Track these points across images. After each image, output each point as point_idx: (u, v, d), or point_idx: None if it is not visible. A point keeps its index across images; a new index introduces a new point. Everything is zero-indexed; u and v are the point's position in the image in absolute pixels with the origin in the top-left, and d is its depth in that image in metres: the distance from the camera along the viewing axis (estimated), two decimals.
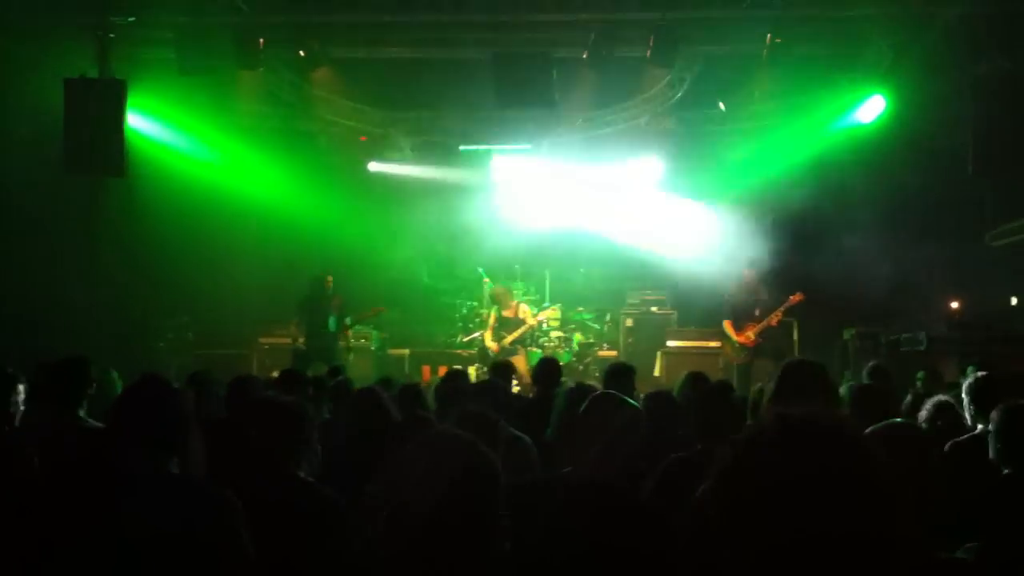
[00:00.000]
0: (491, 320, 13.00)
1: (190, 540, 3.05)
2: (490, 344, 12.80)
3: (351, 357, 12.47)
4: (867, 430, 2.79)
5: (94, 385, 5.33)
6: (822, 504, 1.57)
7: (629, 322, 14.40)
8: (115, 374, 6.83)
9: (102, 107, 10.53)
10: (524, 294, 14.57)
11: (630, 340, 14.26)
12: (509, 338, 12.73)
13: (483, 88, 12.06)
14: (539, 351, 13.62)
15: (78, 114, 10.46)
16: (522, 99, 11.42)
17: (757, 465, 1.64)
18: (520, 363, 12.42)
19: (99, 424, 5.13)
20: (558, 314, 14.37)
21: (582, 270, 15.63)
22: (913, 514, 2.52)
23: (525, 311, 12.95)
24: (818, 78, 12.52)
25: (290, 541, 3.50)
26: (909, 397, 6.93)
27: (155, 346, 13.75)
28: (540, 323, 13.79)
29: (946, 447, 4.64)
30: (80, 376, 5.27)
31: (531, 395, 8.43)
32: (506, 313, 12.87)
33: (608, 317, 14.94)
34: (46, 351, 7.05)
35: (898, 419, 3.22)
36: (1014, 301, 11.87)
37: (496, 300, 13.08)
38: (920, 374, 8.47)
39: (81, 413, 5.19)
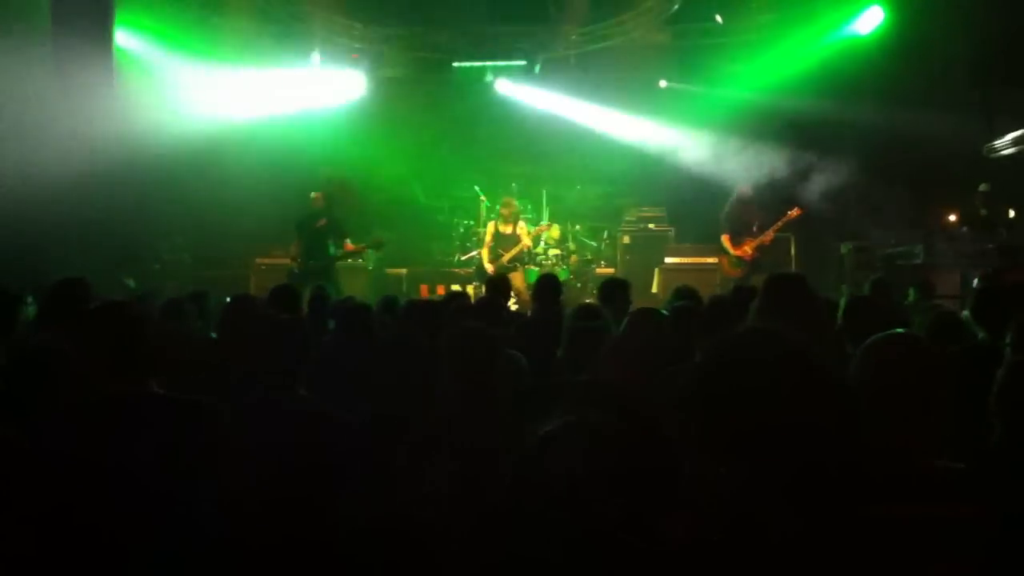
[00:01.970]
0: (488, 237, 12.90)
1: None
2: (487, 264, 12.72)
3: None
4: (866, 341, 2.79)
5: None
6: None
7: (626, 239, 14.34)
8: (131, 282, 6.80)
9: (89, 23, 10.33)
10: (521, 212, 14.50)
11: (627, 257, 14.22)
12: (506, 256, 12.67)
13: (476, 3, 11.87)
14: (536, 269, 13.60)
15: (65, 31, 10.26)
16: (514, 13, 11.23)
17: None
18: (517, 280, 12.38)
19: None
20: (556, 232, 14.31)
21: (578, 187, 15.56)
22: (909, 421, 2.54)
23: (523, 228, 12.86)
24: None
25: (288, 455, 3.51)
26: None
27: (151, 268, 13.67)
28: (536, 241, 13.76)
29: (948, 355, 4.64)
30: (80, 296, 5.25)
31: (529, 312, 8.41)
32: (503, 229, 12.77)
33: (606, 234, 14.91)
34: (42, 274, 7.04)
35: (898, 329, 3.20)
36: (1012, 213, 11.82)
37: (500, 213, 12.94)
38: (912, 289, 8.49)
39: None
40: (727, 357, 2.21)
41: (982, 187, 11.50)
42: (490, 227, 12.93)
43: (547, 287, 7.28)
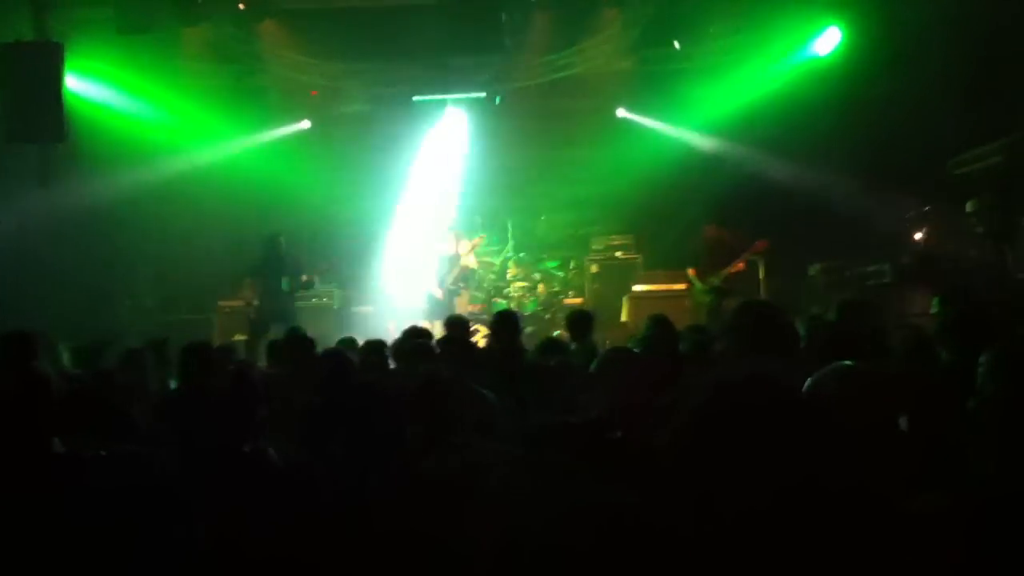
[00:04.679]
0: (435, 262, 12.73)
1: None
2: (434, 290, 12.53)
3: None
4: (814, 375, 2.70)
5: (34, 361, 5.14)
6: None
7: (594, 268, 14.26)
8: (60, 346, 6.66)
9: (39, 71, 10.17)
10: (488, 244, 14.39)
11: (596, 286, 14.13)
12: (449, 278, 12.46)
13: (434, 36, 11.80)
14: (504, 302, 13.49)
15: (15, 80, 10.11)
16: (471, 45, 11.17)
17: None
18: (460, 306, 12.25)
19: None
20: (515, 269, 14.20)
21: (543, 217, 15.46)
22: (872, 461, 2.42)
23: (464, 246, 12.66)
24: (772, 11, 12.34)
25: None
26: None
27: (114, 313, 13.46)
28: (501, 272, 13.64)
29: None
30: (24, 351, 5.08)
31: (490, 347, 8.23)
32: (445, 250, 12.58)
33: (573, 264, 14.80)
34: (3, 322, 6.87)
35: (847, 361, 3.10)
36: (980, 230, 11.77)
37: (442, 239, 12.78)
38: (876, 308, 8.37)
39: None
40: (724, 404, 2.14)
41: (970, 206, 11.28)
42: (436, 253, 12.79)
43: (504, 323, 7.14)
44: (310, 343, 6.74)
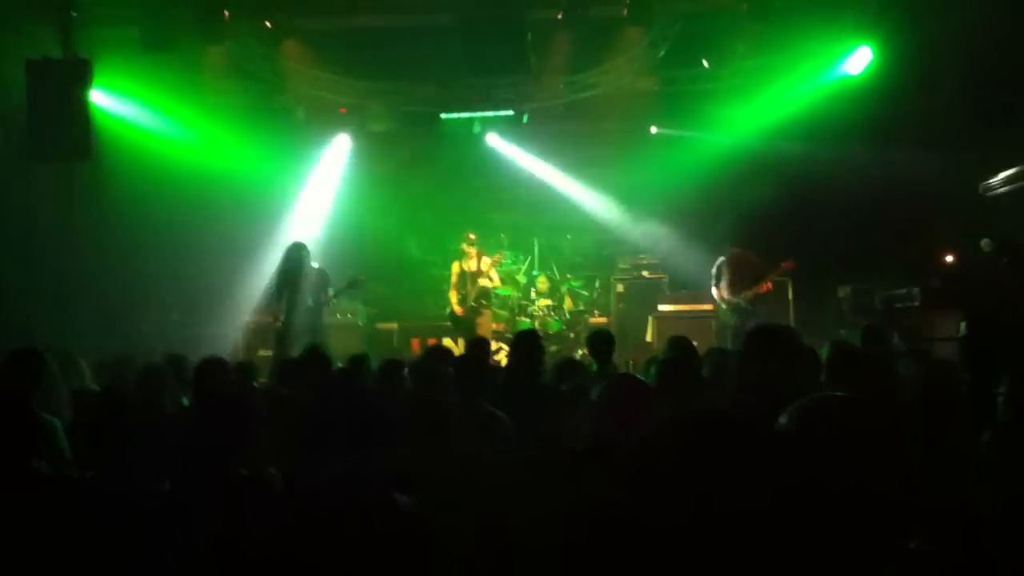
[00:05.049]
0: (454, 278, 12.63)
1: None
2: (455, 306, 12.46)
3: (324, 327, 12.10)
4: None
5: (46, 378, 5.12)
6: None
7: (620, 287, 14.15)
8: (83, 363, 6.65)
9: (66, 89, 10.25)
10: (512, 263, 14.35)
11: (621, 306, 14.02)
12: (471, 295, 12.38)
13: (458, 55, 11.79)
14: (528, 320, 13.43)
15: (42, 97, 10.19)
16: (494, 65, 11.13)
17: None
18: (483, 324, 12.18)
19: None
20: (544, 284, 14.14)
21: (569, 236, 15.42)
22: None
23: (486, 263, 12.57)
24: (802, 30, 12.23)
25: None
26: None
27: (138, 328, 13.51)
28: (527, 290, 13.57)
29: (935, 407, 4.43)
30: (31, 370, 5.06)
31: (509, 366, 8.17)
32: (467, 267, 12.51)
33: (598, 283, 14.73)
34: (30, 338, 6.88)
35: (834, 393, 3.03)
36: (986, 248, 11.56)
37: (460, 254, 12.70)
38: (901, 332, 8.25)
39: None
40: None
41: (985, 244, 11.09)
42: (455, 267, 12.70)
43: (525, 343, 7.05)
44: (326, 360, 6.66)
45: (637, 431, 3.76)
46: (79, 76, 10.39)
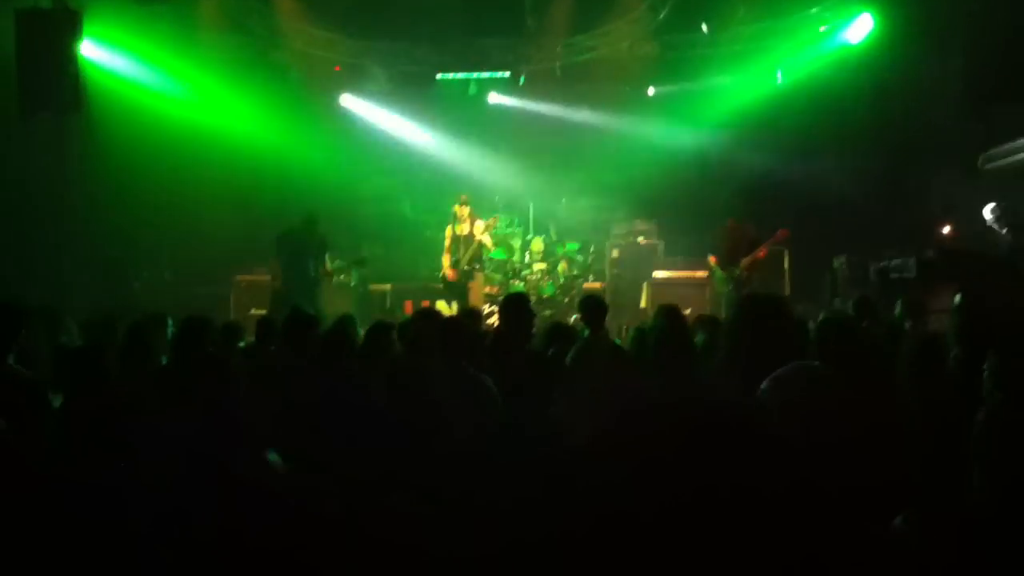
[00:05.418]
0: (447, 242, 12.51)
1: None
2: (447, 270, 12.35)
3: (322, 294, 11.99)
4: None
5: (24, 333, 5.06)
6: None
7: (615, 253, 14.04)
8: (70, 320, 6.61)
9: (56, 40, 10.03)
10: (507, 226, 14.24)
11: (616, 271, 13.93)
12: (464, 259, 12.26)
13: (456, 15, 11.64)
14: (521, 284, 13.35)
15: (31, 48, 9.99)
16: (492, 25, 10.96)
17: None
18: (475, 288, 12.09)
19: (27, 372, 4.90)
20: (539, 246, 14.05)
21: (564, 200, 15.30)
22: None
23: (479, 227, 12.45)
24: None
25: None
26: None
27: (131, 285, 13.44)
28: (521, 254, 13.49)
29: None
30: (6, 326, 4.99)
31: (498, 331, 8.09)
32: (460, 231, 12.38)
33: (593, 248, 14.62)
34: (25, 294, 6.84)
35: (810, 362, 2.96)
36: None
37: (452, 217, 12.57)
38: (899, 306, 8.15)
39: (10, 361, 4.94)
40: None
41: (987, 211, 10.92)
42: (448, 231, 12.52)
43: (513, 306, 6.96)
44: (310, 324, 6.54)
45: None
46: (69, 27, 10.16)
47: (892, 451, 2.60)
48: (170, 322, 6.68)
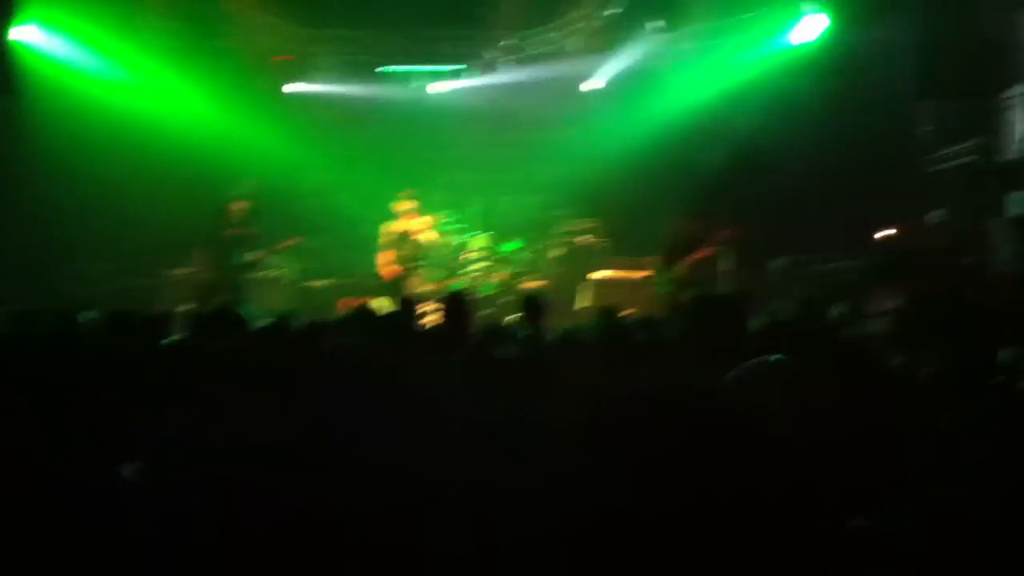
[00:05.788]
0: (386, 238, 12.30)
1: None
2: (384, 267, 12.14)
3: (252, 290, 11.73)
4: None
5: None
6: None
7: (558, 251, 13.93)
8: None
9: None
10: (450, 223, 14.03)
11: (558, 270, 13.81)
12: (404, 256, 12.06)
13: (405, 5, 11.41)
14: (462, 281, 13.17)
15: None
16: (446, 16, 10.76)
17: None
18: (413, 286, 11.90)
19: None
20: (482, 242, 13.86)
21: (508, 197, 15.15)
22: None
23: (420, 224, 12.23)
24: None
25: None
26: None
27: (59, 277, 13.05)
28: (458, 250, 13.37)
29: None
30: None
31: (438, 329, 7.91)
32: (399, 227, 12.18)
33: (536, 246, 14.46)
34: None
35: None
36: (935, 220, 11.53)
37: (394, 212, 12.35)
38: (838, 306, 8.12)
39: None
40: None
41: (934, 217, 10.97)
42: (388, 227, 12.33)
43: (455, 306, 6.81)
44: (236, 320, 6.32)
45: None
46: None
47: (867, 450, 2.51)
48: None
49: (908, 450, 2.99)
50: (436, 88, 14.46)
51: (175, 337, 7.00)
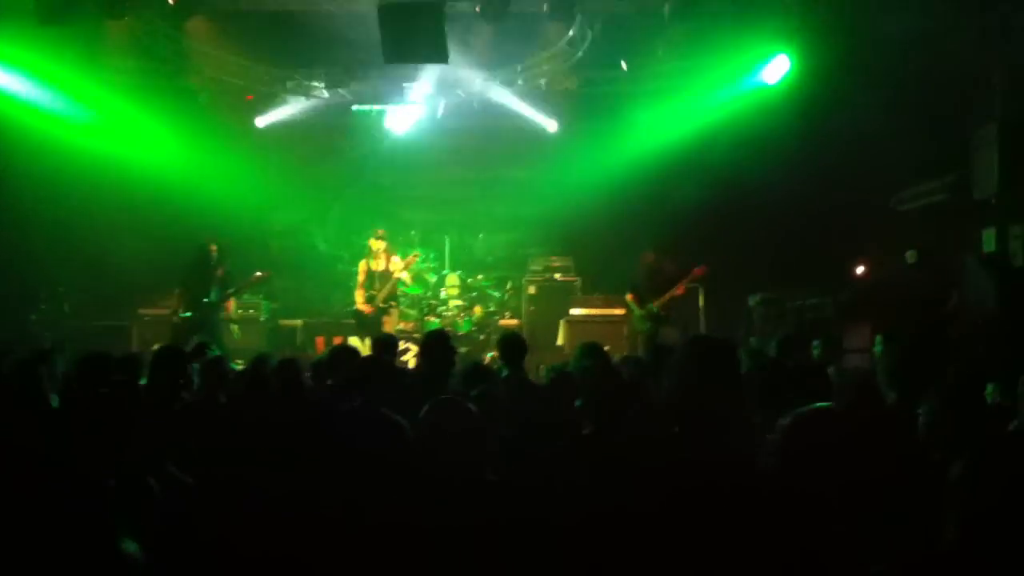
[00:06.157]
0: (361, 277, 12.20)
1: None
2: (361, 305, 12.03)
3: (236, 328, 11.66)
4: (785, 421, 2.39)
5: None
6: None
7: (532, 289, 13.90)
8: None
9: None
10: (423, 261, 13.95)
11: (532, 308, 13.78)
12: (380, 295, 11.98)
13: (374, 44, 11.37)
14: (437, 320, 13.09)
15: None
16: (411, 53, 10.74)
17: None
18: (389, 324, 11.81)
19: None
20: (455, 280, 13.81)
21: (481, 236, 15.13)
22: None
23: (396, 264, 12.17)
24: (722, 37, 12.07)
25: None
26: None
27: (27, 318, 12.85)
28: (436, 290, 13.28)
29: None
30: None
31: (419, 369, 7.84)
32: (375, 266, 12.10)
33: (510, 284, 14.42)
34: None
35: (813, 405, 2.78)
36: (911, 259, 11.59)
37: (367, 251, 12.27)
38: (816, 343, 8.14)
39: None
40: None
41: (909, 256, 11.04)
42: (362, 265, 12.23)
43: (436, 344, 6.73)
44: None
45: None
46: None
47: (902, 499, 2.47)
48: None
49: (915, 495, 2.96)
50: (403, 124, 14.41)
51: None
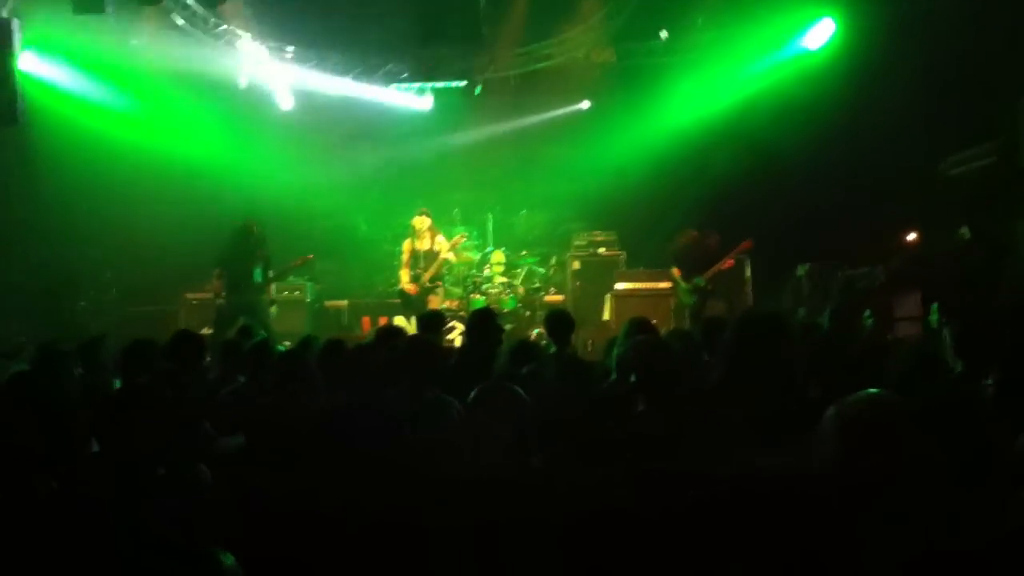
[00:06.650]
0: (405, 256, 12.17)
1: None
2: (406, 285, 12.01)
3: (274, 310, 11.57)
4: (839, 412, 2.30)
5: None
6: None
7: (576, 265, 13.78)
8: None
9: None
10: (467, 240, 13.89)
11: (577, 284, 13.66)
12: (426, 275, 11.94)
13: (411, 24, 11.33)
14: (482, 298, 13.03)
15: None
16: (446, 31, 10.66)
17: None
18: (435, 303, 11.79)
19: None
20: (501, 257, 13.72)
21: (523, 212, 15.04)
22: None
23: (441, 243, 12.11)
24: (764, 1, 11.88)
25: None
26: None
27: (75, 306, 12.97)
28: (480, 267, 13.25)
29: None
30: None
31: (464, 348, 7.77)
32: (419, 246, 12.06)
33: (554, 260, 14.33)
34: None
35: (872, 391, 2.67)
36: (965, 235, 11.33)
37: (411, 231, 12.23)
38: (867, 312, 8.00)
39: None
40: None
41: (963, 233, 10.82)
42: (406, 245, 12.20)
43: (481, 323, 6.66)
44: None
45: None
46: (5, 37, 9.74)
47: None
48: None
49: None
50: (437, 103, 14.35)
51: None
